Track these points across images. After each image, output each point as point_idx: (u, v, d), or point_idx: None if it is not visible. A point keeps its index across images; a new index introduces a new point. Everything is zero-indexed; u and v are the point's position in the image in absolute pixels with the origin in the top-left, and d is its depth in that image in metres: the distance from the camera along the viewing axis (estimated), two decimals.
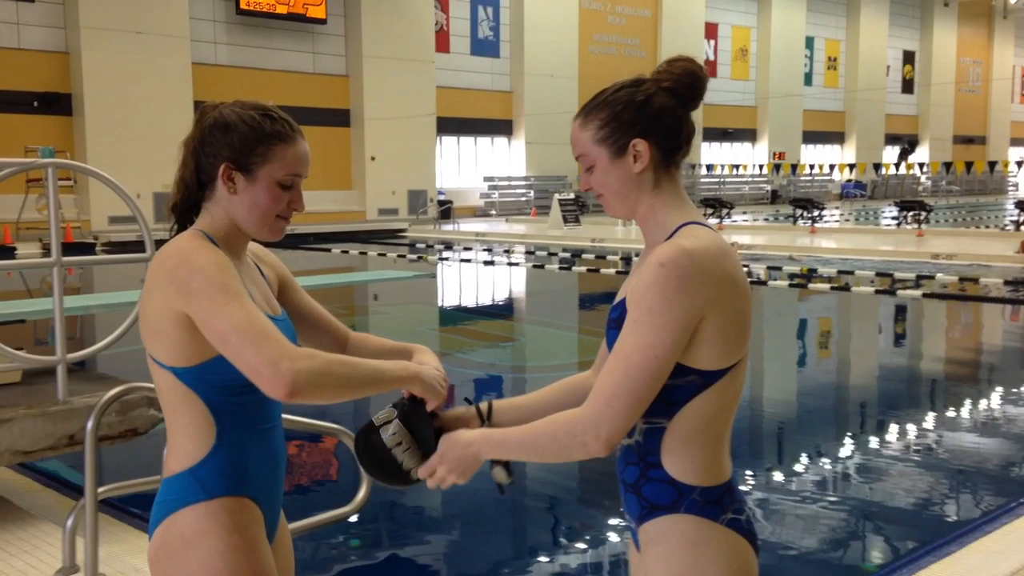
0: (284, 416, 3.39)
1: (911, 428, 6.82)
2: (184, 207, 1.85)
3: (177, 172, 1.85)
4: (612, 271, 16.65)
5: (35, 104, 24.04)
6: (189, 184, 1.83)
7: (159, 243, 2.27)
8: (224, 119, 1.80)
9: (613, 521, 4.78)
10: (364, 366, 1.75)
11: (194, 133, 1.83)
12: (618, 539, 4.58)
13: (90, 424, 3.07)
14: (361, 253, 21.29)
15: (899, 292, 13.36)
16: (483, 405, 1.92)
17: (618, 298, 1.75)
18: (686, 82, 1.71)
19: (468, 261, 19.51)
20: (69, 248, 16.95)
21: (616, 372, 1.60)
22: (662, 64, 1.75)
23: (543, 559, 4.41)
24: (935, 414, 7.31)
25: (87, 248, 18.64)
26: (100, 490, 3.17)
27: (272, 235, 1.84)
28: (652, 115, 1.70)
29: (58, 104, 24.40)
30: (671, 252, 1.60)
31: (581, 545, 4.55)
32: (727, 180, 42.29)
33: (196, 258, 1.69)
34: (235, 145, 1.78)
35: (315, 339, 2.02)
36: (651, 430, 1.69)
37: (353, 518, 3.82)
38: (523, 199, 35.24)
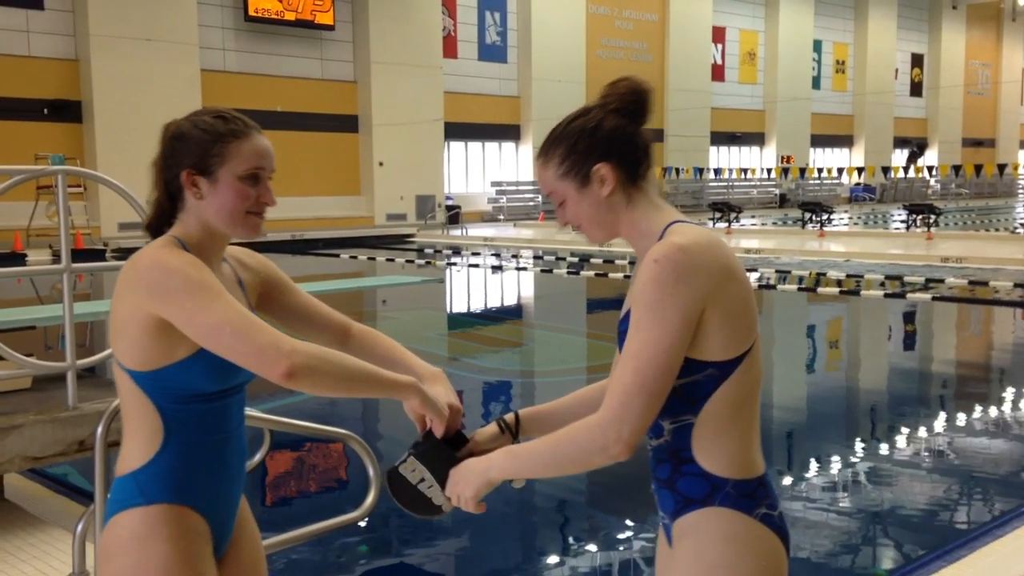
0: (293, 421, 3.40)
1: (921, 432, 6.79)
2: (158, 224, 1.86)
3: (151, 194, 1.88)
4: (620, 275, 16.64)
5: (45, 111, 24.16)
6: (161, 202, 1.85)
7: None
8: (180, 130, 1.83)
9: (623, 525, 4.77)
10: (363, 364, 1.76)
11: (158, 152, 1.86)
12: (627, 542, 4.57)
13: (100, 430, 3.08)
14: (369, 258, 21.31)
15: (908, 296, 13.31)
16: (509, 417, 1.92)
17: (624, 309, 1.76)
18: (631, 99, 1.78)
19: (476, 266, 19.52)
20: (79, 255, 16.98)
21: (627, 372, 1.61)
22: (606, 87, 1.81)
23: (552, 564, 4.41)
24: (945, 418, 7.28)
25: (97, 255, 18.72)
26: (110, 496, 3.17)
27: (246, 232, 1.85)
28: (606, 138, 1.74)
29: (68, 111, 24.51)
30: (664, 249, 1.63)
31: (591, 549, 4.54)
32: (735, 184, 42.22)
33: (170, 260, 1.71)
34: (192, 151, 1.80)
35: (314, 338, 2.01)
36: (680, 428, 1.71)
37: (362, 523, 3.82)
38: (531, 204, 35.24)
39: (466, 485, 1.72)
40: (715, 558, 1.67)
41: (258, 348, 1.63)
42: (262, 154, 1.85)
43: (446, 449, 1.82)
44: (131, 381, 1.76)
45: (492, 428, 1.91)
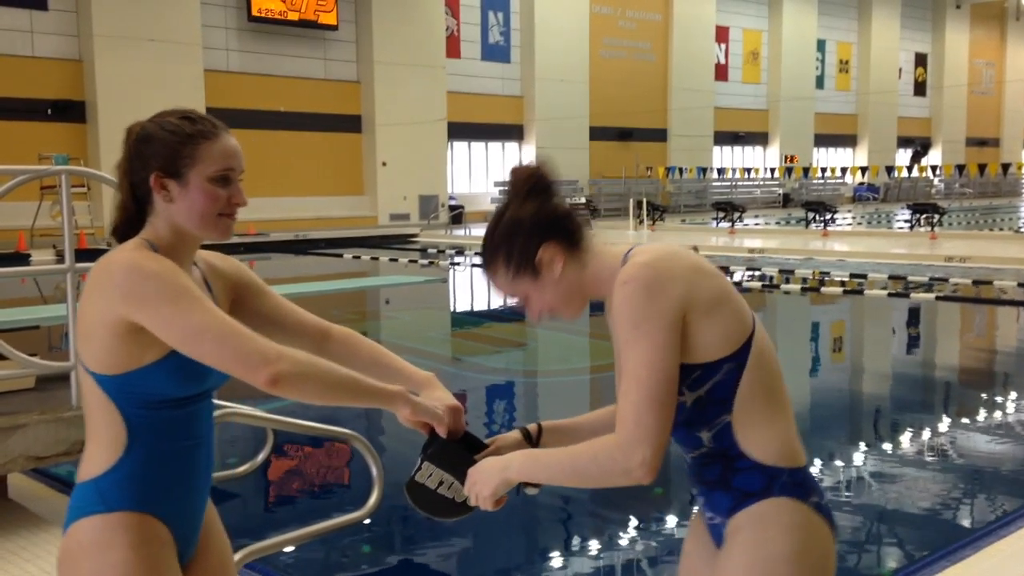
0: (297, 421, 3.40)
1: (925, 431, 6.78)
2: (124, 229, 1.83)
3: (117, 197, 1.85)
4: None
5: (49, 112, 24.19)
6: (127, 206, 1.82)
7: None
8: (146, 132, 1.80)
9: (627, 526, 4.77)
10: (350, 373, 1.75)
11: (123, 154, 1.83)
12: (631, 545, 4.57)
13: None
14: (372, 258, 21.32)
15: (912, 295, 13.29)
16: (532, 427, 1.94)
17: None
18: (533, 183, 1.83)
19: (479, 266, 19.48)
20: (82, 254, 16.97)
21: (632, 392, 1.62)
22: (509, 181, 1.88)
23: (556, 563, 4.40)
24: (949, 417, 7.27)
25: (100, 254, 18.63)
26: None
27: (218, 234, 1.82)
28: (534, 224, 1.79)
29: (71, 112, 24.55)
30: (630, 270, 1.68)
31: (595, 549, 4.54)
32: (739, 184, 42.18)
33: (146, 264, 1.68)
34: (160, 153, 1.77)
35: (290, 343, 1.96)
36: (720, 431, 1.73)
37: (365, 522, 3.82)
38: None
39: (484, 484, 1.73)
40: (776, 549, 1.68)
41: (242, 354, 1.61)
42: (231, 154, 1.82)
43: (457, 447, 1.81)
44: (96, 385, 1.73)
45: (515, 435, 1.93)
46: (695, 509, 1.96)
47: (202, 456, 1.85)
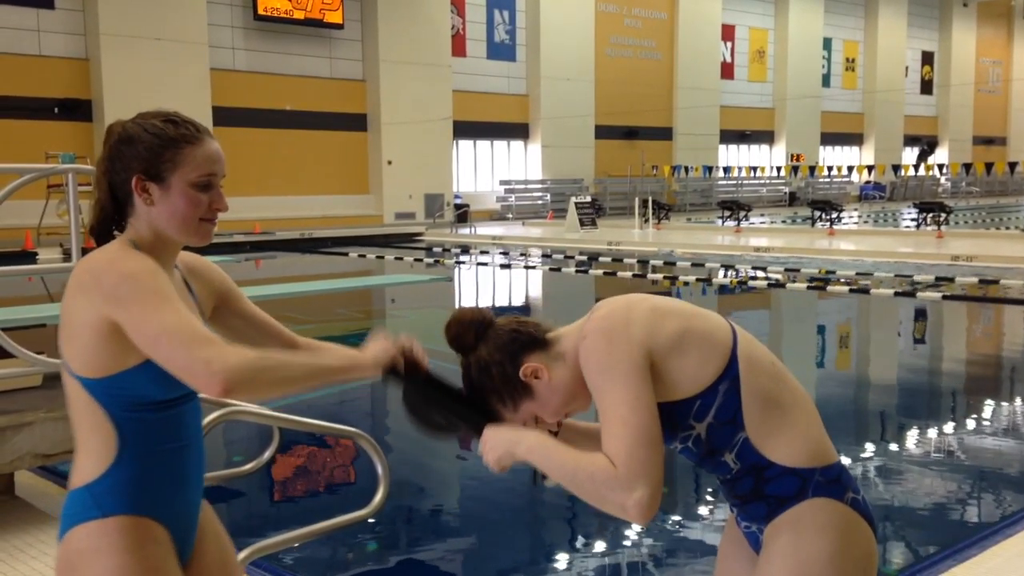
0: (302, 419, 3.41)
1: (931, 430, 6.77)
2: (101, 228, 1.82)
3: (93, 194, 1.84)
4: (629, 274, 16.63)
5: (56, 110, 24.26)
6: (105, 205, 1.81)
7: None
8: (128, 133, 1.78)
9: (630, 524, 4.76)
10: (301, 361, 1.75)
11: (103, 153, 1.82)
12: (636, 544, 4.57)
13: None
14: (378, 257, 21.33)
15: (919, 294, 13.26)
16: None
17: None
18: (476, 326, 1.86)
19: (485, 265, 19.52)
20: (89, 253, 17.03)
21: (615, 430, 1.62)
22: (451, 336, 1.87)
23: (561, 562, 4.41)
24: (955, 416, 7.26)
25: None
26: None
27: (199, 239, 1.81)
28: (500, 357, 1.80)
29: (78, 110, 24.61)
30: (588, 326, 1.73)
31: (599, 550, 4.54)
32: (745, 182, 42.15)
33: (124, 264, 1.68)
34: (142, 156, 1.76)
35: (265, 344, 1.97)
36: (740, 449, 1.73)
37: (370, 521, 3.83)
38: (539, 202, 35.24)
39: (492, 449, 1.75)
40: (814, 551, 1.68)
41: (191, 364, 1.59)
42: (214, 159, 1.81)
43: (424, 384, 1.84)
44: (82, 389, 1.72)
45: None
46: (729, 517, 1.95)
47: (192, 457, 1.85)
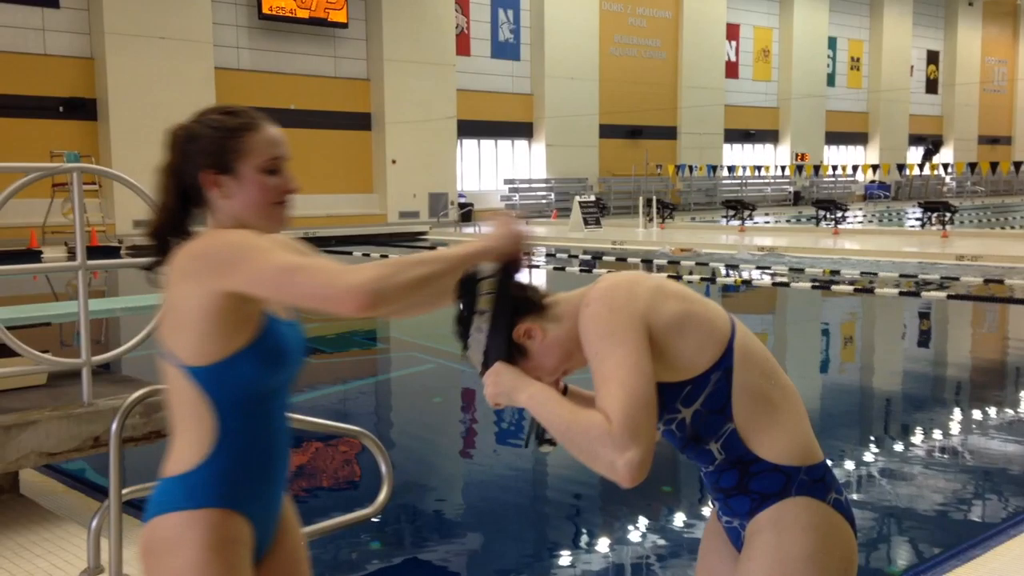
0: (307, 418, 3.41)
1: (936, 430, 6.76)
2: (162, 232, 1.83)
3: (158, 199, 1.85)
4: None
5: (60, 109, 24.29)
6: (171, 207, 1.83)
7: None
8: (190, 131, 1.81)
9: (634, 523, 4.77)
10: (422, 256, 1.73)
11: (169, 157, 1.83)
12: (639, 541, 4.57)
13: (115, 426, 3.10)
14: (382, 255, 21.34)
15: (924, 294, 13.24)
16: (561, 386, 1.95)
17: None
18: (467, 288, 1.83)
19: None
20: (94, 252, 17.01)
21: (613, 390, 1.61)
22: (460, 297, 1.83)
23: (565, 560, 4.41)
24: (960, 417, 7.24)
25: (112, 252, 18.79)
26: (124, 491, 3.19)
27: (276, 224, 1.84)
28: (493, 323, 1.78)
29: (83, 109, 24.64)
30: (592, 293, 1.73)
31: (602, 547, 4.54)
32: (749, 182, 42.10)
33: (224, 236, 1.72)
34: (208, 150, 1.78)
35: None
36: (727, 440, 1.73)
37: (375, 520, 3.83)
38: (543, 201, 35.23)
39: (495, 384, 1.76)
40: (795, 550, 1.68)
41: (325, 287, 1.60)
42: (277, 142, 1.85)
43: (505, 290, 1.80)
44: (187, 379, 1.73)
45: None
46: (711, 511, 1.96)
47: (280, 451, 1.88)
